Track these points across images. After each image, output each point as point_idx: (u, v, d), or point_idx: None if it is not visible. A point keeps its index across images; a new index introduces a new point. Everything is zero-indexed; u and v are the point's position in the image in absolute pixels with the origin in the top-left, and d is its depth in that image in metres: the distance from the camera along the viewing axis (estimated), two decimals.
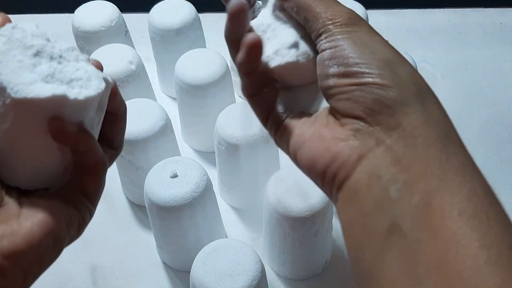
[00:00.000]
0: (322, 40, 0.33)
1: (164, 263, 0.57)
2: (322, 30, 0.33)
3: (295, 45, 0.35)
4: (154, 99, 0.69)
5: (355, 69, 0.31)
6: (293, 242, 0.51)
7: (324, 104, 0.36)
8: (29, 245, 0.30)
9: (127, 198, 0.62)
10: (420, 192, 0.28)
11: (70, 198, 0.33)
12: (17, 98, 0.30)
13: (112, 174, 0.60)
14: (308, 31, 0.35)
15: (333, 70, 0.32)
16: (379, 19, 0.79)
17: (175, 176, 0.51)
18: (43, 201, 0.32)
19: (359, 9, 0.65)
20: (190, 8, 0.67)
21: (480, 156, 0.65)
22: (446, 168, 0.28)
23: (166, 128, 0.57)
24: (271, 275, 0.55)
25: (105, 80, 0.33)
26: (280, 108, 0.36)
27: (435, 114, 0.30)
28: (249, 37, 0.33)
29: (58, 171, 0.34)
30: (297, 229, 0.49)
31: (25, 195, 0.33)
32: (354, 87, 0.31)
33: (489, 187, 0.29)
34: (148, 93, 0.67)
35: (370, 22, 0.67)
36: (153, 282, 0.56)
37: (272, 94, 0.37)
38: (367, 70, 0.31)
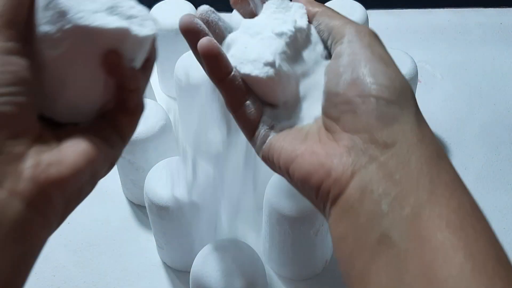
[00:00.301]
0: (343, 43, 0.34)
1: (164, 263, 0.57)
2: (345, 32, 0.35)
3: (272, 64, 0.35)
4: (154, 99, 0.69)
5: (367, 78, 0.32)
6: (293, 242, 0.51)
7: (308, 115, 0.36)
8: (74, 174, 0.29)
9: (127, 198, 0.62)
10: (410, 204, 0.28)
11: (105, 135, 0.33)
12: (80, 25, 0.29)
13: (112, 174, 0.60)
14: (327, 36, 0.37)
15: (346, 76, 0.33)
16: (379, 19, 0.79)
17: None
18: (81, 134, 0.32)
19: (359, 9, 0.65)
20: (190, 8, 0.67)
21: (480, 156, 0.65)
22: (437, 183, 0.29)
23: (166, 128, 0.57)
24: (271, 275, 0.55)
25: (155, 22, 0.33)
26: (265, 125, 0.36)
27: (428, 134, 0.31)
28: (201, 44, 0.35)
29: (96, 107, 0.33)
30: (297, 229, 0.49)
31: (58, 127, 0.32)
32: (360, 100, 0.32)
33: (476, 203, 0.30)
34: (148, 93, 0.67)
35: (370, 22, 0.67)
36: (153, 282, 0.56)
37: (257, 110, 0.37)
38: (377, 81, 0.32)
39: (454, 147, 0.66)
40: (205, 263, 0.46)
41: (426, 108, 0.68)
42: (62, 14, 0.30)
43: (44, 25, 0.30)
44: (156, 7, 0.67)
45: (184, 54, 0.62)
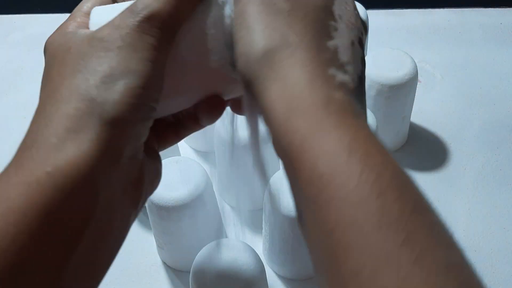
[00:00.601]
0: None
1: (164, 263, 0.57)
2: None
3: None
4: None
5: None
6: (293, 242, 0.51)
7: None
8: (158, 179, 0.35)
9: None
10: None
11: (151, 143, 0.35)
12: (217, 70, 0.32)
13: None
14: None
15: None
16: (379, 19, 0.79)
17: None
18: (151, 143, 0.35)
19: (359, 8, 0.65)
20: None
21: (480, 156, 0.65)
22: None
23: None
24: (271, 275, 0.55)
25: None
26: None
27: (289, 79, 0.27)
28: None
29: (158, 117, 0.35)
30: (297, 229, 0.49)
31: None
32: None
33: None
34: None
35: (370, 22, 0.67)
36: (153, 282, 0.56)
37: None
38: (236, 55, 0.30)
39: (454, 147, 0.66)
40: (205, 263, 0.46)
41: (426, 108, 0.69)
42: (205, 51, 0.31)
43: (187, 50, 0.31)
44: None
45: None
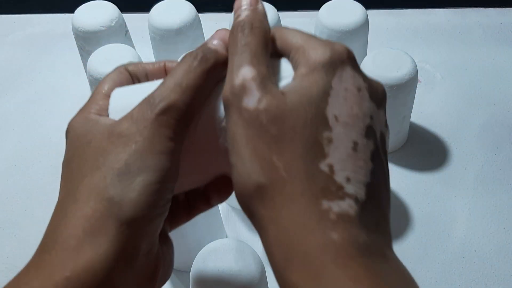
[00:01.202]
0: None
1: None
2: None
3: None
4: None
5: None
6: None
7: None
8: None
9: None
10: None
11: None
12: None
13: None
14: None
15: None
16: (379, 19, 0.79)
17: None
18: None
19: (359, 9, 0.65)
20: (190, 8, 0.67)
21: (480, 156, 0.65)
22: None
23: None
24: (271, 275, 0.55)
25: None
26: None
27: (283, 220, 0.26)
28: None
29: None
30: None
31: None
32: None
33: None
34: None
35: (370, 22, 0.67)
36: None
37: None
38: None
39: (454, 147, 0.66)
40: (205, 263, 0.46)
41: (426, 108, 0.69)
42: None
43: (197, 134, 0.31)
44: (156, 7, 0.67)
45: (184, 54, 0.62)
